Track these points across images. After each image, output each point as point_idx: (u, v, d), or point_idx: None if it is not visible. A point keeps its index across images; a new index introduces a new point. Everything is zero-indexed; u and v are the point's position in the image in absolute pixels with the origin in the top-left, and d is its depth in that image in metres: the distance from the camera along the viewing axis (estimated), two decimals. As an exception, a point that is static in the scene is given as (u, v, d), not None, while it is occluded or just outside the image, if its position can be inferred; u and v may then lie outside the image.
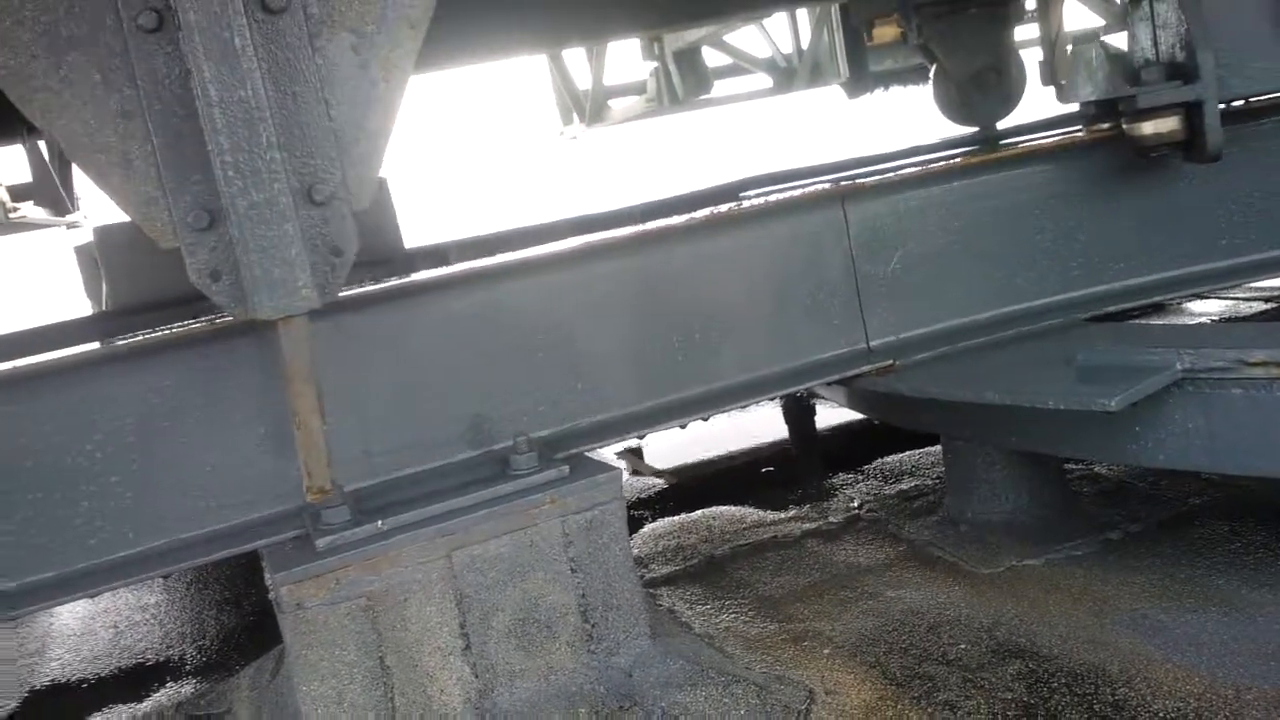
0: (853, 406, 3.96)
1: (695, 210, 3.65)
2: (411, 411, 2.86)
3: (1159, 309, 5.17)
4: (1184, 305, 5.48)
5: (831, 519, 3.64)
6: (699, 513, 3.90)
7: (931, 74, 4.51)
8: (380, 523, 2.43)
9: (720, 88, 5.41)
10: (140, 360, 2.62)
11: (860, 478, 4.06)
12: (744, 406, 3.27)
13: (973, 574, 3.00)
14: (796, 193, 3.52)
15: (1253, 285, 5.39)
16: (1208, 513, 3.13)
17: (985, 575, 2.97)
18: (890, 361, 3.28)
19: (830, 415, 4.84)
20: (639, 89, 5.34)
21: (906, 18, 4.05)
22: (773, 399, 3.48)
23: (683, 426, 3.06)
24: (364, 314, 2.82)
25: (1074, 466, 3.61)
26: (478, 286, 2.98)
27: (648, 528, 3.85)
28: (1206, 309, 5.43)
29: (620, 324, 3.09)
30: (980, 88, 4.16)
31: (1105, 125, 3.37)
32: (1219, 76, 3.04)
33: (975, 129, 4.46)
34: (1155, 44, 3.17)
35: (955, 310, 3.47)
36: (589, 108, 5.46)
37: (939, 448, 3.65)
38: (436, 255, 3.53)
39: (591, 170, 13.96)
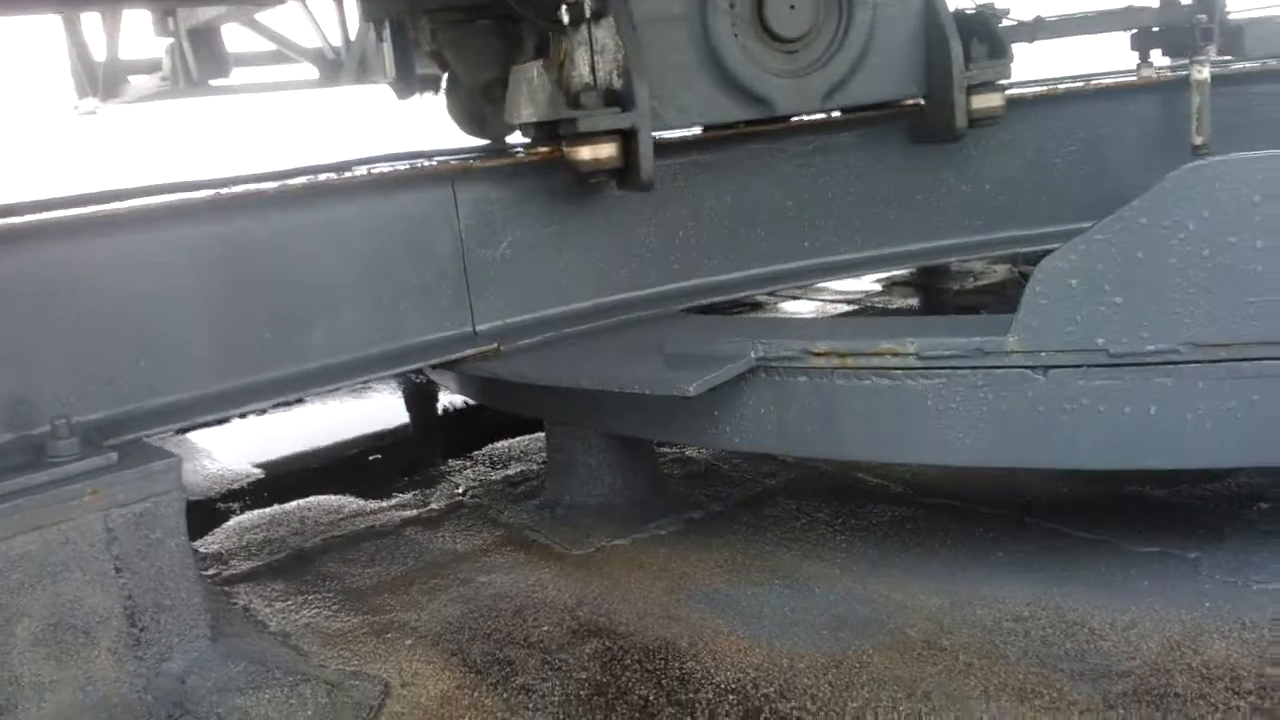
0: (462, 392, 3.89)
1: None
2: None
3: (756, 307, 5.54)
4: (779, 305, 5.90)
5: (434, 506, 3.55)
6: (293, 504, 3.67)
7: (444, 83, 4.31)
8: None
9: (260, 74, 4.99)
10: None
11: (469, 464, 4.00)
12: (338, 388, 3.10)
13: (563, 556, 3.02)
14: (404, 167, 3.38)
15: (838, 289, 5.93)
16: (780, 493, 3.35)
17: (575, 557, 3.00)
18: (494, 345, 3.24)
19: (454, 402, 4.76)
20: (156, 66, 4.80)
21: (417, 24, 3.87)
22: (368, 381, 3.33)
23: (262, 413, 2.84)
24: None
25: (666, 450, 3.75)
26: (22, 246, 2.60)
27: (234, 520, 3.56)
28: (798, 309, 5.88)
29: (198, 296, 2.82)
30: (490, 100, 3.92)
31: (544, 148, 3.27)
32: (653, 107, 3.08)
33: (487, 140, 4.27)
34: (594, 69, 3.15)
35: (561, 297, 3.50)
36: (102, 81, 4.83)
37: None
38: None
39: (114, 150, 12.92)
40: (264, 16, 4.61)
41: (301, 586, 2.97)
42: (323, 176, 3.28)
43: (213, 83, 4.56)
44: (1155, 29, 4.20)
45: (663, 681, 2.33)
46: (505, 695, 2.31)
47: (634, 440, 3.34)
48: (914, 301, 5.65)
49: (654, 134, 3.12)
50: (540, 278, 3.46)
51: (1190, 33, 3.95)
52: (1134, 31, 4.22)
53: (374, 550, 3.20)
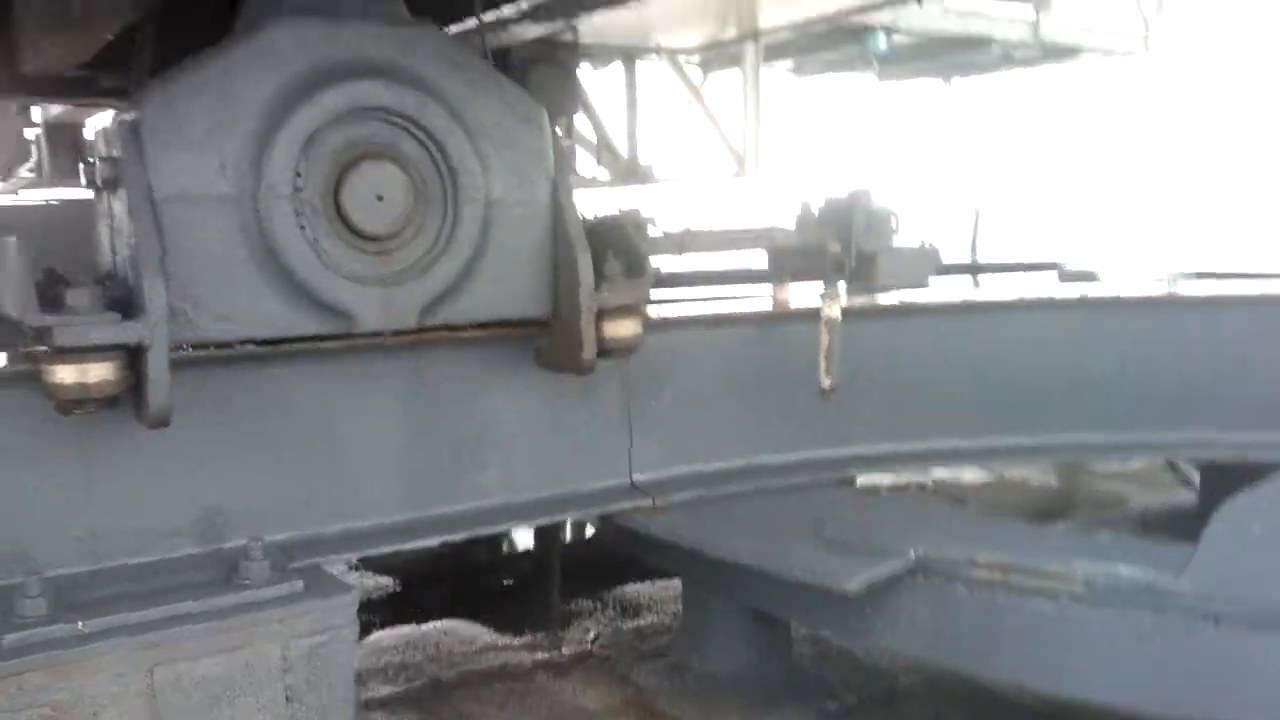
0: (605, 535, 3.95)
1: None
2: (140, 493, 2.60)
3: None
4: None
5: (564, 651, 3.59)
6: (429, 626, 3.76)
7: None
8: (81, 624, 2.18)
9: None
10: None
11: (599, 606, 4.05)
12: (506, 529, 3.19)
13: (694, 731, 3.02)
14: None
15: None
16: (918, 692, 3.29)
17: (706, 734, 3.00)
18: (651, 500, 3.29)
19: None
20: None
21: None
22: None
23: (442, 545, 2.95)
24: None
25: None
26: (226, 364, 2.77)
27: (372, 637, 3.66)
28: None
29: (391, 425, 2.96)
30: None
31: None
32: (184, 311, 2.38)
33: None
34: (114, 253, 2.43)
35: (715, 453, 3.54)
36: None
37: (678, 582, 3.69)
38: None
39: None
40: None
41: (437, 722, 3.03)
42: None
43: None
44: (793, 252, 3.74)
45: None
46: None
47: (769, 614, 3.34)
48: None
49: (189, 347, 2.48)
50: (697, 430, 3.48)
51: (824, 259, 3.56)
52: (773, 253, 3.79)
53: (506, 693, 3.24)
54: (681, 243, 3.29)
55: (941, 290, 4.20)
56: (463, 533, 2.98)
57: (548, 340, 2.93)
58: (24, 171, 4.93)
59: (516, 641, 3.67)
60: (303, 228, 2.47)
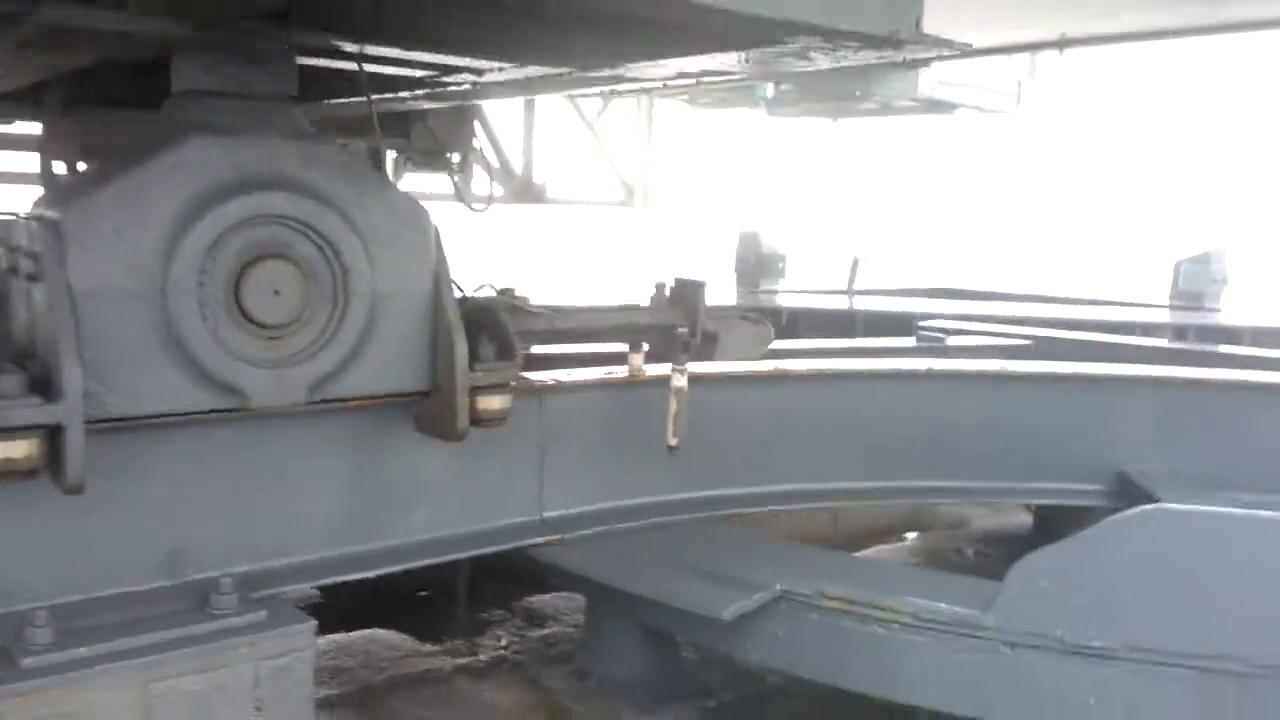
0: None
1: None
2: (113, 534, 3.00)
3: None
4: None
5: (481, 657, 4.10)
6: (357, 634, 4.22)
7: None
8: (83, 649, 2.61)
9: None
10: None
11: (508, 615, 4.56)
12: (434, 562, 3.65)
13: (594, 728, 3.57)
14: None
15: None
16: (782, 690, 3.90)
17: (604, 730, 3.56)
18: (560, 536, 3.82)
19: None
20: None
21: None
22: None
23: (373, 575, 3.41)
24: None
25: (688, 635, 4.30)
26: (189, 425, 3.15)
27: (310, 645, 4.10)
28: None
29: (331, 473, 3.41)
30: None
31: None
32: (96, 392, 2.62)
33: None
34: (33, 337, 2.70)
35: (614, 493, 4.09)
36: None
37: (579, 596, 4.22)
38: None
39: None
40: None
41: (374, 723, 3.52)
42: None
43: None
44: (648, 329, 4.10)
45: None
46: None
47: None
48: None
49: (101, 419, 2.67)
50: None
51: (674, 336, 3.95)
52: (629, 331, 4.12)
53: (433, 695, 3.75)
54: (551, 325, 3.73)
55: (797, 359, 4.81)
56: (397, 565, 3.46)
57: (426, 409, 3.29)
58: None
59: (437, 648, 4.16)
60: (205, 318, 2.77)
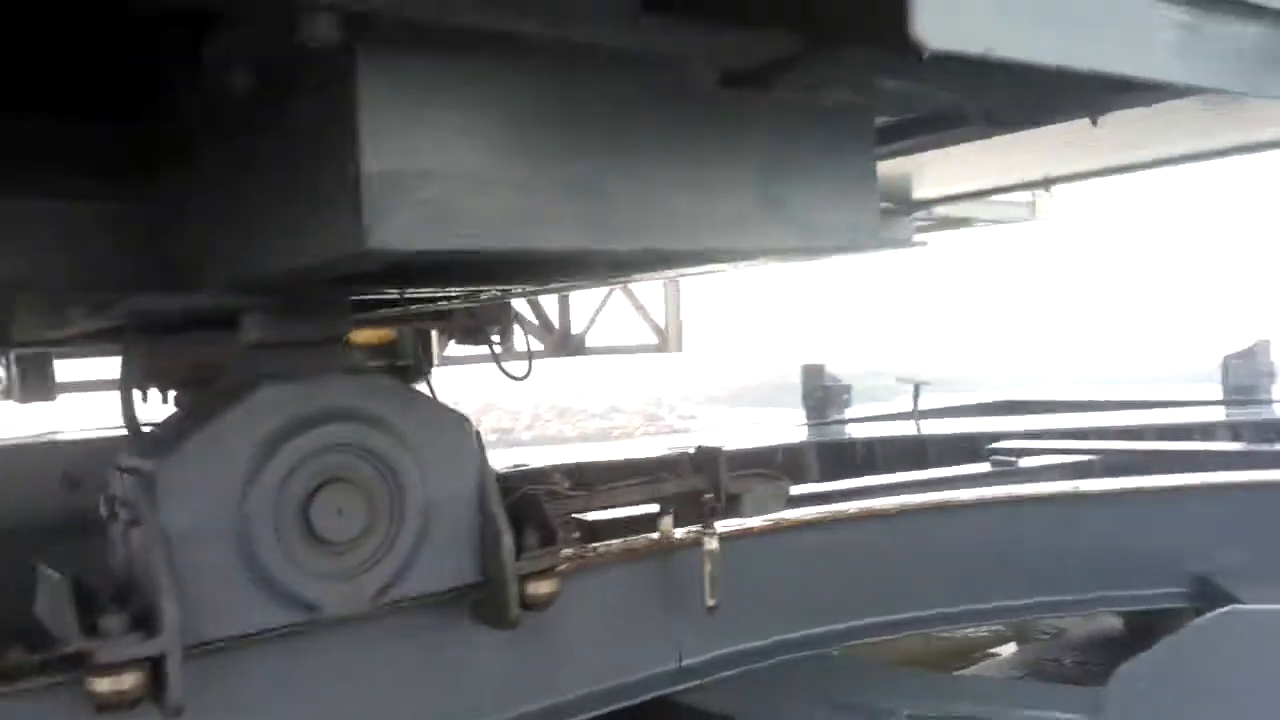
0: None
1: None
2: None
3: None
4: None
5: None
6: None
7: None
8: None
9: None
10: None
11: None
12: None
13: None
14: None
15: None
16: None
17: None
18: (699, 680, 4.18)
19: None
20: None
21: None
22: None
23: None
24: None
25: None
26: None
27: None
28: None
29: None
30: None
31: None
32: (187, 621, 2.82)
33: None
34: (131, 569, 2.97)
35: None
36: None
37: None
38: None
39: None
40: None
41: None
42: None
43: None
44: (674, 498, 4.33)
45: None
46: None
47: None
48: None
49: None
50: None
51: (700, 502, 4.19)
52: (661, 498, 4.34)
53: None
54: (588, 505, 4.19)
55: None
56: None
57: (480, 598, 3.47)
58: None
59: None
60: (279, 540, 3.04)
